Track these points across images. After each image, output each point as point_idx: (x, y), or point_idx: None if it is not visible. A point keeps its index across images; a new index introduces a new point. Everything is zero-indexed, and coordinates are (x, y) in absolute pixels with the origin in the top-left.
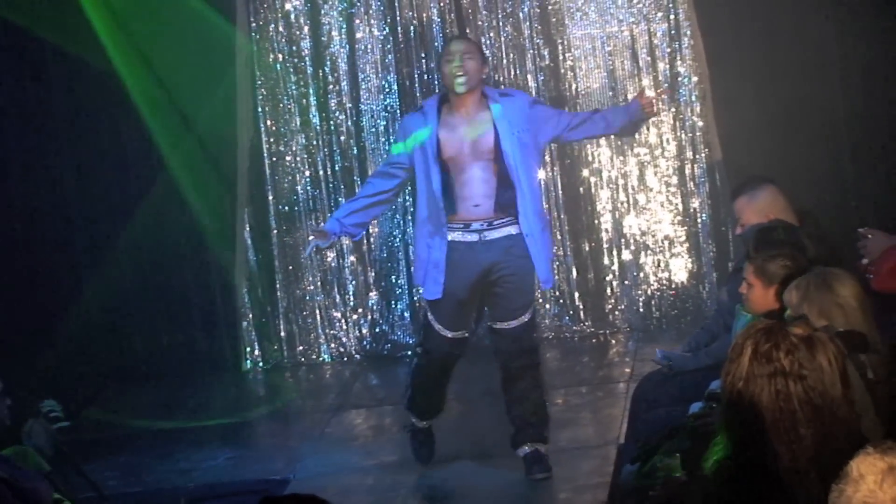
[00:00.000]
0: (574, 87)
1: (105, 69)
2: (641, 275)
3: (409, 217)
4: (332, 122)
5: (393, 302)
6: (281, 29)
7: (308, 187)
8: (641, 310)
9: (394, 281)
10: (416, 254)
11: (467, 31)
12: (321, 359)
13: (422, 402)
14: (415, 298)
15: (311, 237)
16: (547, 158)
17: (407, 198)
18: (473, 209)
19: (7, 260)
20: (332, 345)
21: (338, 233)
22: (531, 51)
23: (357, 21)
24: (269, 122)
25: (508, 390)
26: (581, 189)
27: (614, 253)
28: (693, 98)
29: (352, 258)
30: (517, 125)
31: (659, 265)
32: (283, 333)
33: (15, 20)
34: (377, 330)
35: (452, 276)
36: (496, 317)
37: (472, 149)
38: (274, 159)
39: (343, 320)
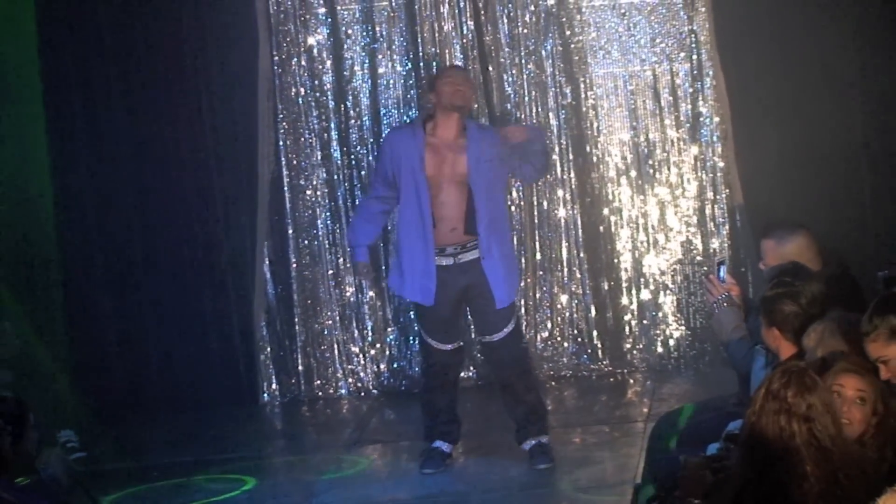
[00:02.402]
0: (596, 125)
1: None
2: (660, 314)
3: None
4: (353, 157)
5: (411, 338)
6: (304, 63)
7: (328, 221)
8: (660, 349)
9: (412, 317)
10: (403, 266)
11: (489, 68)
12: (338, 393)
13: (439, 419)
14: None
15: (363, 280)
16: (567, 197)
17: None
18: (450, 234)
19: (26, 289)
20: (350, 380)
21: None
22: (553, 89)
23: (380, 56)
24: (290, 156)
25: (505, 394)
26: (601, 228)
27: (633, 292)
28: (714, 138)
29: (371, 293)
30: (488, 154)
31: (678, 305)
32: (300, 367)
33: None
34: (395, 366)
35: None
36: (480, 331)
37: (451, 170)
38: (295, 193)
39: (361, 355)
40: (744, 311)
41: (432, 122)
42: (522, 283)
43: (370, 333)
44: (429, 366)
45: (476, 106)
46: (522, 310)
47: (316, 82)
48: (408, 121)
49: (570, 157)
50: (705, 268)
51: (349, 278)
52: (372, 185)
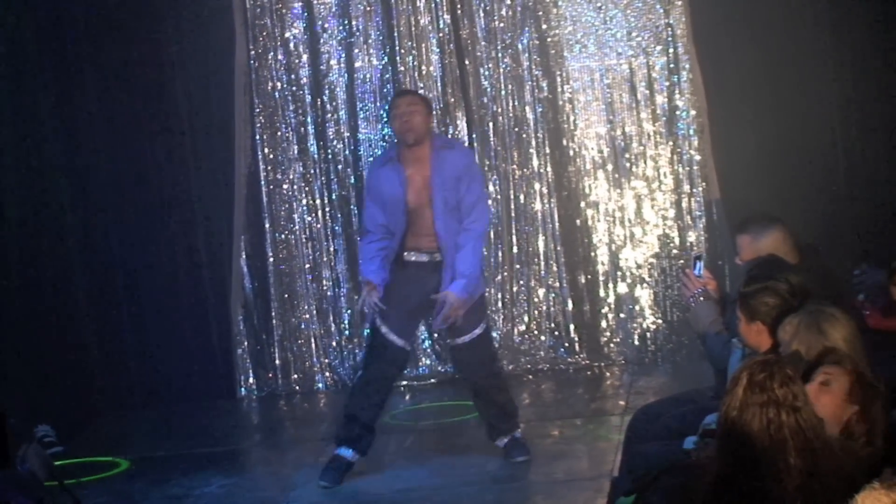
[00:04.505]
0: (572, 119)
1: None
2: (637, 308)
3: None
4: (329, 151)
5: None
6: (280, 57)
7: (305, 216)
8: (637, 343)
9: None
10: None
11: (466, 62)
12: (316, 387)
13: (357, 420)
14: None
15: (366, 297)
16: (544, 190)
17: None
18: (425, 239)
19: (2, 284)
20: (327, 373)
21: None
22: (530, 82)
23: (356, 50)
24: (266, 151)
25: (476, 398)
26: (578, 221)
27: (610, 286)
28: (691, 132)
29: (347, 287)
30: (447, 181)
31: (655, 298)
32: (277, 361)
33: None
34: None
35: (404, 285)
36: (451, 333)
37: (425, 197)
38: (271, 187)
39: (338, 349)
40: (720, 304)
41: (399, 149)
42: (499, 277)
43: (347, 327)
44: (371, 349)
45: (452, 100)
46: (500, 303)
47: (292, 76)
48: (383, 148)
49: (547, 150)
50: (682, 261)
51: (326, 272)
52: (363, 227)
